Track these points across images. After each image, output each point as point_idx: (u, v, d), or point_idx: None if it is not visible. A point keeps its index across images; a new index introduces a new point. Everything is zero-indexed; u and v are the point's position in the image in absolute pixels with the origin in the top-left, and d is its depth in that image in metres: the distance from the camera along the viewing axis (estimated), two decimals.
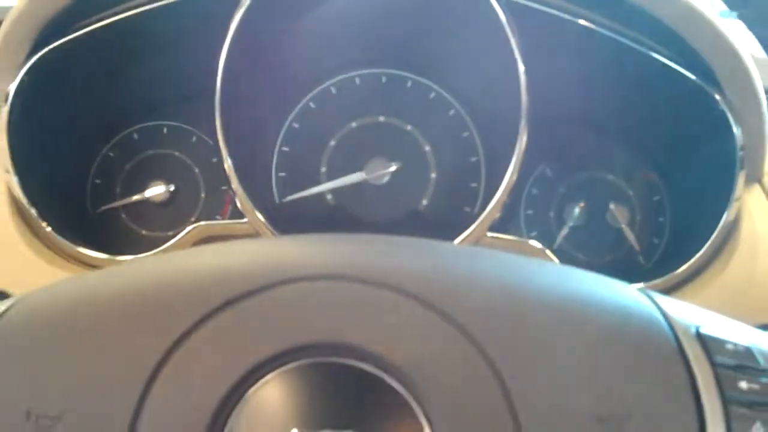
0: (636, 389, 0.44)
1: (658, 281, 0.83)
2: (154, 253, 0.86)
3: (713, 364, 0.45)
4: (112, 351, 0.45)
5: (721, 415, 0.43)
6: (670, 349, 0.45)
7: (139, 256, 0.86)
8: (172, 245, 0.87)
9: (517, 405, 0.42)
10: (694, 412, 0.43)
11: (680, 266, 0.83)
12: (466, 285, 0.47)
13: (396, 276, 0.46)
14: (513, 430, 0.42)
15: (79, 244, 0.85)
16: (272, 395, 0.44)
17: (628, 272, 0.90)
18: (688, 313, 0.48)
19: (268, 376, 0.44)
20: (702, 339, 0.46)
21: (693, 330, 0.47)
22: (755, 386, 0.44)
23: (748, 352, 0.46)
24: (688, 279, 0.83)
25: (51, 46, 0.85)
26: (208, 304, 0.45)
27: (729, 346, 0.46)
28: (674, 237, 0.95)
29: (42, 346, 0.47)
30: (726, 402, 0.44)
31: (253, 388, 0.44)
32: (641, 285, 0.83)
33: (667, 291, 0.83)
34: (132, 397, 0.43)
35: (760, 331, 0.49)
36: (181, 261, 0.50)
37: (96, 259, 0.85)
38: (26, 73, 0.84)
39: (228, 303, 0.45)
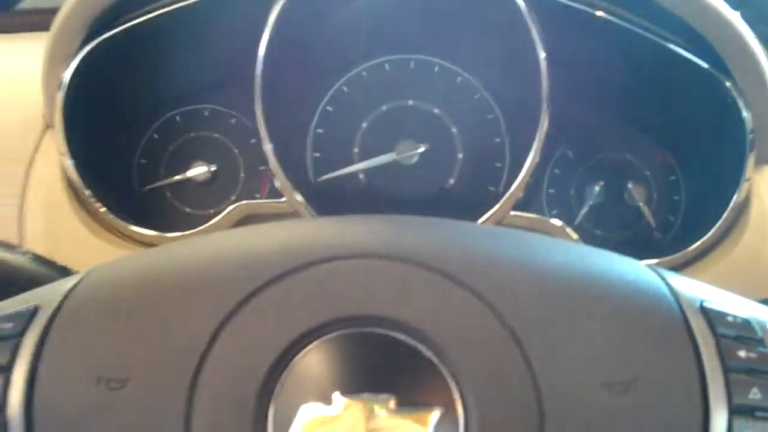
0: (644, 358, 0.47)
1: (672, 257, 0.85)
2: (203, 231, 0.90)
3: (715, 335, 0.48)
4: (173, 321, 0.48)
5: (721, 381, 0.46)
6: (675, 321, 0.48)
7: (186, 233, 0.90)
8: (215, 223, 0.91)
9: (538, 372, 0.45)
10: (697, 379, 0.46)
11: (693, 243, 0.85)
12: (492, 263, 0.49)
13: (428, 255, 0.49)
14: (534, 395, 0.45)
15: (130, 223, 0.89)
16: (316, 362, 0.46)
17: (644, 248, 0.94)
18: (693, 288, 0.51)
19: (312, 345, 0.46)
20: (705, 312, 0.49)
21: (697, 304, 0.49)
22: (753, 355, 0.47)
23: (747, 324, 0.48)
24: (700, 255, 0.86)
25: (102, 38, 0.88)
26: (257, 280, 0.48)
27: (730, 319, 0.48)
28: (689, 215, 0.97)
29: (109, 316, 0.49)
30: (726, 369, 0.46)
31: (298, 356, 0.46)
32: (655, 261, 0.86)
33: (681, 266, 0.86)
34: (191, 362, 0.46)
35: (759, 305, 0.52)
36: (232, 241, 0.53)
37: (146, 236, 0.89)
38: (79, 63, 0.88)
39: (274, 279, 0.48)
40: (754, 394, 0.46)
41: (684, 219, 0.98)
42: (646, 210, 0.99)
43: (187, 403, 0.45)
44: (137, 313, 0.49)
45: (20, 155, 0.90)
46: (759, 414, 0.45)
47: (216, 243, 0.53)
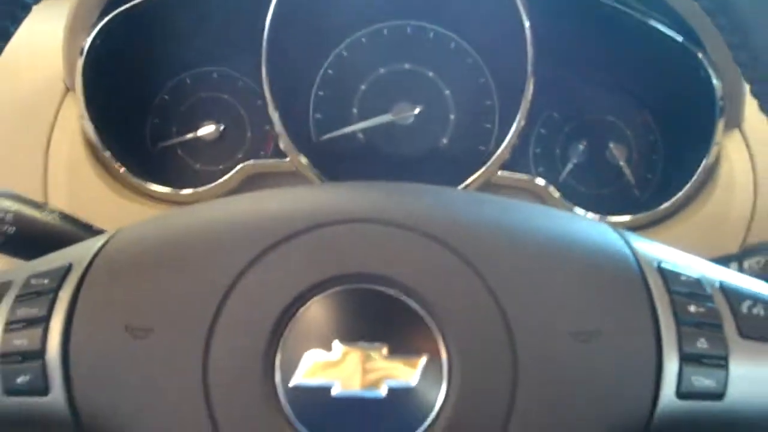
0: (607, 311, 0.50)
1: (644, 215, 0.89)
2: (213, 188, 0.93)
3: (669, 292, 0.51)
4: (192, 277, 0.50)
5: (674, 333, 0.49)
6: (635, 279, 0.51)
7: (198, 189, 0.93)
8: (224, 181, 0.94)
9: (512, 323, 0.48)
10: (652, 330, 0.49)
11: (667, 201, 0.89)
12: (474, 226, 0.52)
13: (418, 220, 0.51)
14: (509, 343, 0.48)
15: (146, 180, 0.92)
16: (318, 314, 0.49)
17: (624, 204, 0.97)
18: (653, 249, 0.54)
19: (315, 299, 0.49)
20: (662, 271, 0.52)
21: (655, 264, 0.52)
22: (702, 310, 0.50)
23: (698, 283, 0.51)
24: (672, 213, 0.89)
25: (119, 10, 0.90)
26: (266, 241, 0.50)
27: (683, 278, 0.51)
28: (666, 173, 1.00)
29: (135, 272, 0.52)
30: (678, 323, 0.50)
31: (302, 309, 0.49)
32: (629, 218, 0.89)
33: (653, 223, 0.89)
34: (208, 313, 0.49)
35: (712, 265, 0.55)
36: (244, 204, 0.56)
37: (161, 193, 0.92)
38: (98, 32, 0.91)
39: (282, 240, 0.50)
40: (702, 344, 0.49)
41: (661, 177, 1.00)
42: (626, 168, 1.01)
43: (205, 349, 0.48)
44: (160, 270, 0.51)
45: (42, 117, 0.93)
46: (705, 361, 0.49)
47: (230, 206, 0.56)
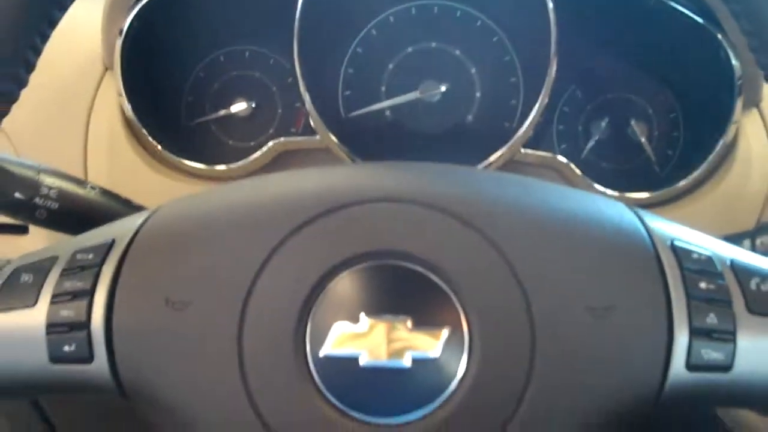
0: (621, 287, 0.52)
1: (662, 192, 0.90)
2: (245, 165, 0.95)
3: (681, 269, 0.52)
4: (228, 253, 0.52)
5: (684, 308, 0.51)
6: (649, 256, 0.53)
7: (231, 165, 0.95)
8: (256, 158, 0.95)
9: (531, 297, 0.50)
10: (664, 306, 0.51)
11: (683, 180, 0.90)
12: (496, 206, 0.54)
13: (443, 200, 0.53)
14: (527, 317, 0.50)
15: (182, 157, 0.94)
16: (346, 289, 0.51)
17: (644, 180, 0.98)
18: (667, 227, 0.55)
19: (343, 274, 0.51)
20: (674, 249, 0.53)
21: (668, 242, 0.53)
22: (712, 286, 0.52)
23: (709, 260, 0.53)
24: (689, 191, 0.90)
25: None
26: (299, 219, 0.52)
27: (695, 255, 0.53)
28: (686, 150, 1.00)
29: (174, 248, 0.53)
30: (689, 298, 0.51)
31: (331, 283, 0.51)
32: (648, 195, 0.91)
33: (671, 200, 0.90)
34: (243, 287, 0.51)
35: (723, 243, 0.56)
36: (279, 184, 0.57)
37: (196, 168, 0.94)
38: (136, 14, 0.92)
39: (314, 218, 0.52)
40: (711, 319, 0.51)
41: (681, 154, 1.01)
42: (646, 145, 1.01)
43: (240, 321, 0.50)
44: (198, 246, 0.53)
45: (82, 97, 0.94)
46: (714, 335, 0.51)
47: (265, 185, 0.57)
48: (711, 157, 0.89)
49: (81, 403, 1.01)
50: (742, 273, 0.53)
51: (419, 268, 0.51)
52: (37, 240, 0.88)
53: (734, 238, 0.76)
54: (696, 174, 0.89)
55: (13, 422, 1.08)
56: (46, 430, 1.07)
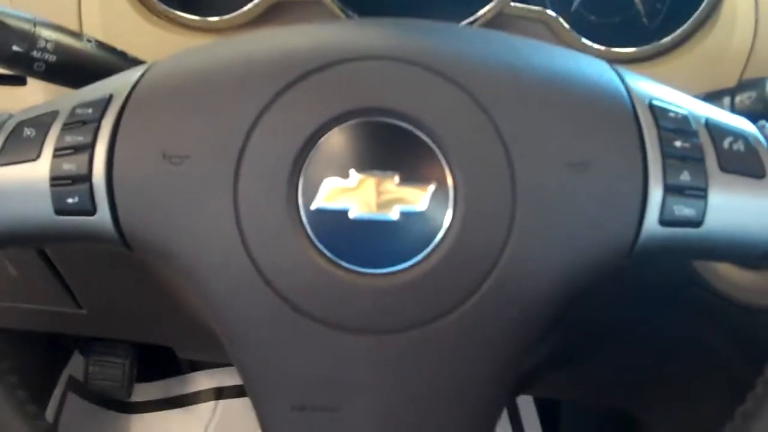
0: (600, 143, 0.53)
1: (648, 47, 0.89)
2: (238, 15, 0.93)
3: (658, 128, 0.53)
4: (223, 107, 0.53)
5: (660, 165, 0.52)
6: (626, 115, 0.53)
7: (224, 17, 0.93)
8: (250, 9, 0.93)
9: (512, 152, 0.52)
10: (640, 162, 0.52)
11: (671, 33, 0.90)
12: (479, 62, 0.54)
13: (428, 57, 0.53)
14: (509, 171, 0.51)
15: (176, 8, 0.92)
16: (337, 145, 0.52)
17: (631, 35, 0.97)
18: (646, 86, 0.56)
19: (334, 130, 0.52)
20: (652, 108, 0.54)
21: (647, 101, 0.54)
22: (686, 145, 0.53)
23: (685, 119, 0.54)
24: (674, 46, 0.89)
25: None
26: (292, 74, 0.53)
27: (671, 114, 0.54)
28: (674, 4, 0.98)
29: (171, 102, 0.54)
30: (664, 156, 0.52)
31: (323, 138, 0.52)
32: (633, 49, 0.90)
33: (657, 55, 0.90)
34: (237, 141, 0.52)
35: (700, 102, 0.57)
36: (274, 39, 0.57)
37: (189, 19, 0.92)
38: None
39: (306, 74, 0.53)
40: (685, 176, 0.52)
41: (669, 7, 0.99)
42: None
43: (235, 174, 0.52)
44: (192, 101, 0.54)
45: None
46: (687, 192, 0.52)
47: (258, 41, 0.57)
48: (697, 14, 0.87)
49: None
50: (716, 131, 0.54)
51: (406, 125, 0.52)
52: (36, 91, 0.87)
53: (715, 96, 0.77)
54: (681, 29, 0.88)
55: (18, 268, 1.11)
56: (50, 275, 1.10)
